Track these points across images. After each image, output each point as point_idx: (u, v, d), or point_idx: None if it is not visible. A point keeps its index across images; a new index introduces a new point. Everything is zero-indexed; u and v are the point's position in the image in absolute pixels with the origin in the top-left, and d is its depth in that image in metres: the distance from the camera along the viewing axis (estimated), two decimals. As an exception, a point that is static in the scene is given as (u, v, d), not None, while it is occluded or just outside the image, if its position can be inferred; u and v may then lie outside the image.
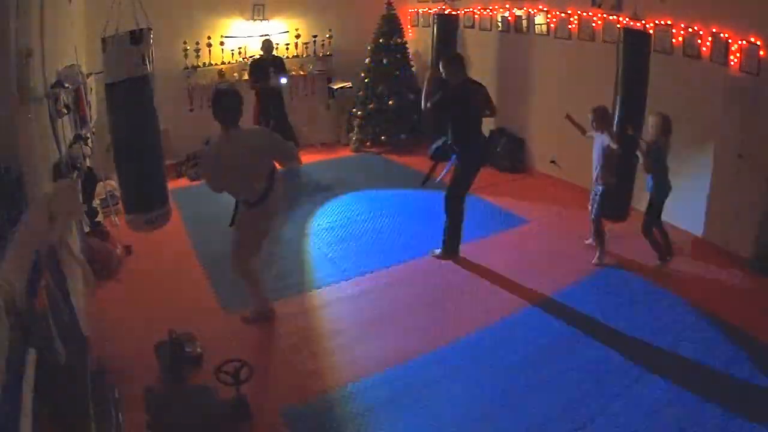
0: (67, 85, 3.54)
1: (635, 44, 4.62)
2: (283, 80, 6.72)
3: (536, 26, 6.35)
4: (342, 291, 4.21)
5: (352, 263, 4.60)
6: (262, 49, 6.78)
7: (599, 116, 4.37)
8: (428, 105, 4.49)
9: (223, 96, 3.42)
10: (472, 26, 7.34)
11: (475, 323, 3.76)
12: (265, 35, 7.09)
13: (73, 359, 2.37)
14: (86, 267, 3.38)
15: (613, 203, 4.73)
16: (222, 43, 7.08)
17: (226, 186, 3.51)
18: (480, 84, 4.59)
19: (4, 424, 1.41)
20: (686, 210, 5.05)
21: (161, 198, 3.50)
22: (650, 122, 4.30)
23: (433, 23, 7.39)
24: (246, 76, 6.96)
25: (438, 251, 4.69)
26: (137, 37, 3.08)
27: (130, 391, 2.96)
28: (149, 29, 3.18)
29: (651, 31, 4.86)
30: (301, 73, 7.68)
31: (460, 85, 4.47)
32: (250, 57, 7.10)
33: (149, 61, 3.20)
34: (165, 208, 3.52)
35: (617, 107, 4.78)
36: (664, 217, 4.46)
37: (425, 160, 7.25)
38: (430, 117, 6.09)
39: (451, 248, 4.67)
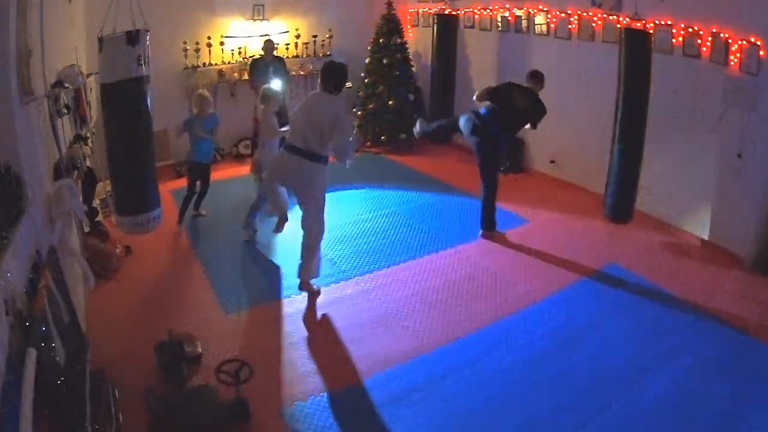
0: (67, 85, 3.54)
1: (635, 44, 4.63)
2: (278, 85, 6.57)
3: (536, 26, 6.35)
4: (342, 291, 4.21)
5: (351, 263, 4.60)
6: (263, 49, 6.78)
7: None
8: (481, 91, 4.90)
9: (329, 67, 3.98)
10: (472, 26, 7.34)
11: (475, 323, 3.76)
12: (266, 35, 7.09)
13: (73, 359, 2.37)
14: (86, 267, 3.38)
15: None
16: (222, 43, 7.08)
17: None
18: (541, 103, 4.85)
19: (4, 424, 1.41)
20: (686, 209, 5.06)
21: (152, 201, 3.49)
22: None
23: (433, 23, 7.40)
24: (246, 76, 6.96)
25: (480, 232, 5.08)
26: (133, 38, 3.08)
27: (130, 391, 2.97)
28: (146, 30, 3.18)
29: (651, 31, 4.86)
30: (301, 73, 7.68)
31: (517, 89, 4.84)
32: (250, 57, 7.11)
33: (145, 63, 3.19)
34: (156, 212, 3.51)
35: (618, 107, 4.79)
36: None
37: (425, 160, 7.30)
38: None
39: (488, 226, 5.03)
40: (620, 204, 5.02)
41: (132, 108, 3.22)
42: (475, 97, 4.99)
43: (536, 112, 4.84)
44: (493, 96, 4.82)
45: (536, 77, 4.91)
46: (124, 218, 3.43)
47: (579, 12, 5.78)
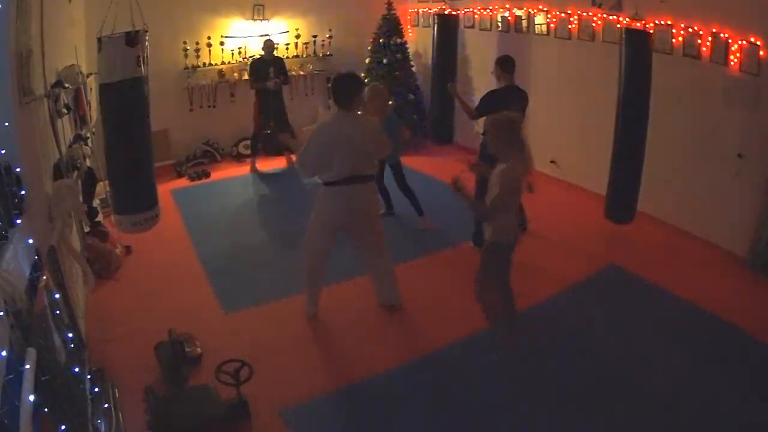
0: (67, 85, 3.54)
1: (635, 44, 4.62)
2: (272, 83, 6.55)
3: (536, 26, 6.34)
4: (342, 291, 4.20)
5: (351, 263, 4.59)
6: (263, 49, 6.78)
7: None
8: (476, 113, 4.60)
9: (341, 79, 3.46)
10: (472, 26, 7.34)
11: (475, 323, 3.75)
12: (265, 35, 7.09)
13: (73, 359, 2.38)
14: (86, 267, 3.38)
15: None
16: (222, 43, 7.08)
17: (324, 164, 3.41)
18: (523, 92, 4.67)
19: (4, 424, 1.41)
20: (686, 209, 5.05)
21: (149, 201, 3.50)
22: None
23: (433, 23, 7.40)
24: (246, 76, 6.97)
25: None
26: (132, 39, 3.09)
27: (130, 391, 2.97)
28: (145, 31, 3.19)
29: (651, 31, 4.86)
30: (301, 73, 7.68)
31: (505, 88, 4.62)
32: (250, 57, 7.11)
33: (144, 63, 3.21)
34: (153, 212, 3.52)
35: (619, 107, 4.78)
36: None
37: (425, 160, 7.29)
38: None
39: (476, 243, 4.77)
40: (622, 205, 5.01)
41: (131, 108, 3.23)
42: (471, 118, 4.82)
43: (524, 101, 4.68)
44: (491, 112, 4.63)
45: (512, 65, 4.72)
46: (122, 217, 3.45)
47: (579, 12, 5.78)
